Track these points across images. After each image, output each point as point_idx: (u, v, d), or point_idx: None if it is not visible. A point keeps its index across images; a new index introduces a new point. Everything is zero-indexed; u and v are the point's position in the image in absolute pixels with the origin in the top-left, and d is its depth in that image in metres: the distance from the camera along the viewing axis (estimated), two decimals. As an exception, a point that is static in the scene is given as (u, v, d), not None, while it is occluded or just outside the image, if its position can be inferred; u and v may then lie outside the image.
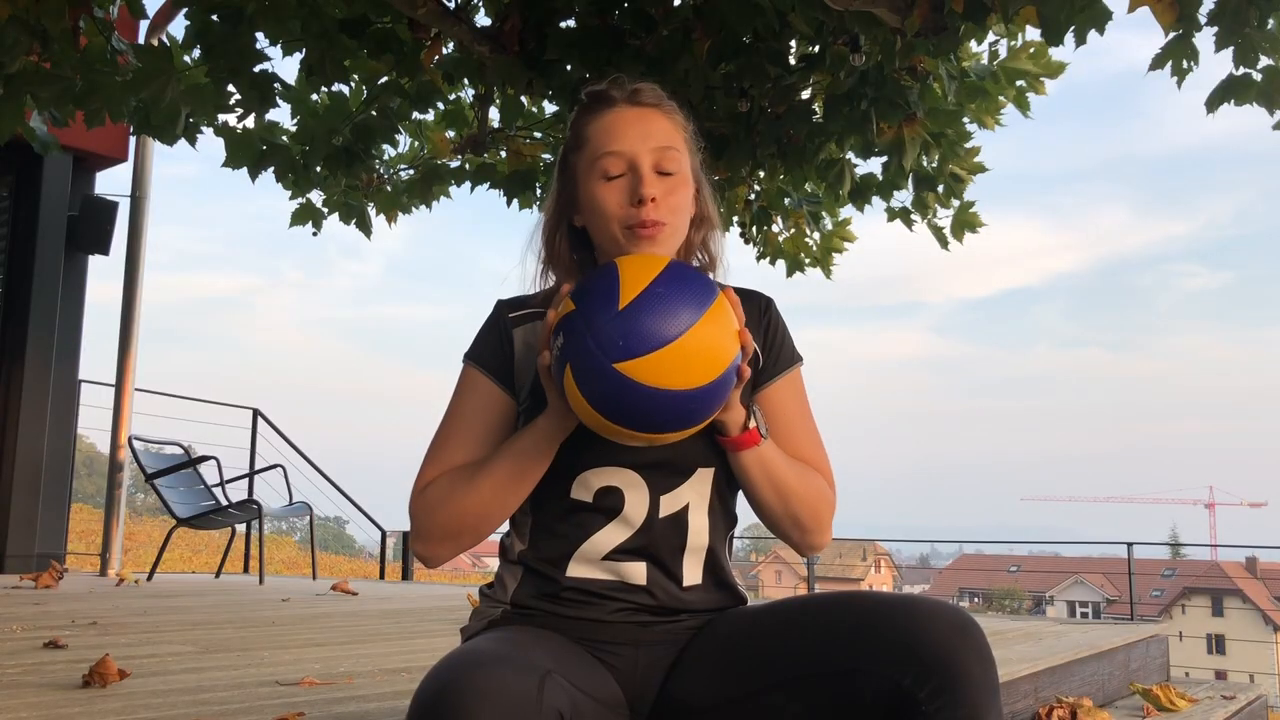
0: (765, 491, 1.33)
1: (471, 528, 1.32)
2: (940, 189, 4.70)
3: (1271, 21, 3.19)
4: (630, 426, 1.16)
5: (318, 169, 4.51)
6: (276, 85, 3.86)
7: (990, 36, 4.31)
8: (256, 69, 3.78)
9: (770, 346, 1.42)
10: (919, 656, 1.11)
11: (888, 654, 1.13)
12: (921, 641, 1.11)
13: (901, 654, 1.12)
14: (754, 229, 5.20)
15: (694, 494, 1.34)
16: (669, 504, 1.33)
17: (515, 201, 4.91)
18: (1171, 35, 3.19)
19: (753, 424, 1.29)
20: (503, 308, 1.43)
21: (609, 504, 1.32)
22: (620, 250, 1.34)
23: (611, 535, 1.32)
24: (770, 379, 1.41)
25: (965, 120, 4.51)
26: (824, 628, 1.21)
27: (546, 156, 4.97)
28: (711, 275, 1.46)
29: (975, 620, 1.15)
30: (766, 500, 1.34)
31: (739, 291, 1.45)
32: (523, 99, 4.75)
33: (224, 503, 6.57)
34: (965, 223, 4.79)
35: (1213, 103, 3.37)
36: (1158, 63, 3.24)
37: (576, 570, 1.33)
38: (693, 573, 1.36)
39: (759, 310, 1.44)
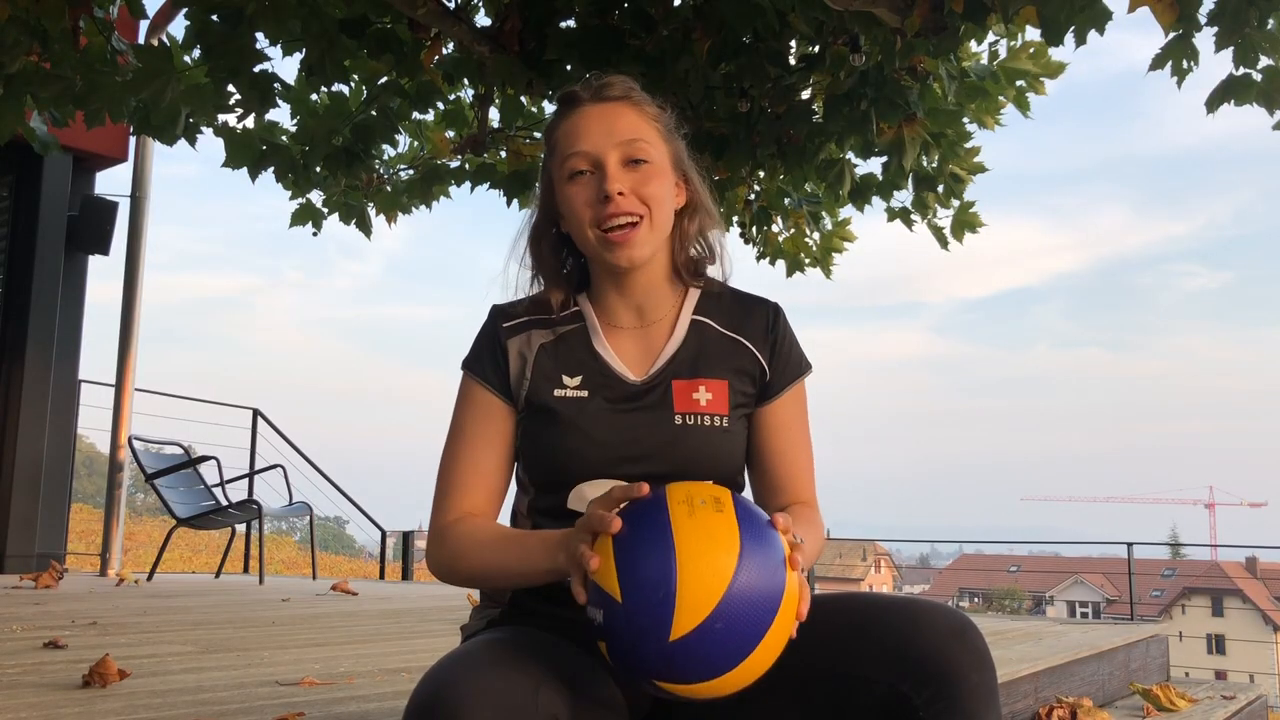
0: None
1: (474, 584, 1.35)
2: (940, 189, 4.70)
3: (1271, 21, 3.19)
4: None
5: (318, 169, 4.51)
6: (276, 85, 3.86)
7: (990, 36, 4.31)
8: (256, 69, 3.78)
9: (776, 358, 1.40)
10: (915, 662, 1.10)
11: (884, 659, 1.12)
12: (917, 646, 1.10)
13: (897, 659, 1.11)
14: (754, 229, 5.20)
15: None
16: None
17: (515, 201, 4.90)
18: (1171, 35, 3.19)
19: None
20: (497, 317, 1.41)
21: None
22: (598, 256, 1.33)
23: None
24: (778, 393, 1.39)
25: (965, 120, 4.51)
26: (823, 631, 1.19)
27: (546, 156, 4.96)
28: (711, 269, 1.44)
29: (973, 623, 1.14)
30: None
31: (747, 297, 1.44)
32: (523, 99, 4.75)
33: (224, 503, 6.57)
34: (965, 223, 4.79)
35: (1213, 103, 3.37)
36: (1158, 63, 3.24)
37: None
38: None
39: (766, 319, 1.42)
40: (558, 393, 1.34)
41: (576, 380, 1.35)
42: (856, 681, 1.14)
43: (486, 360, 1.39)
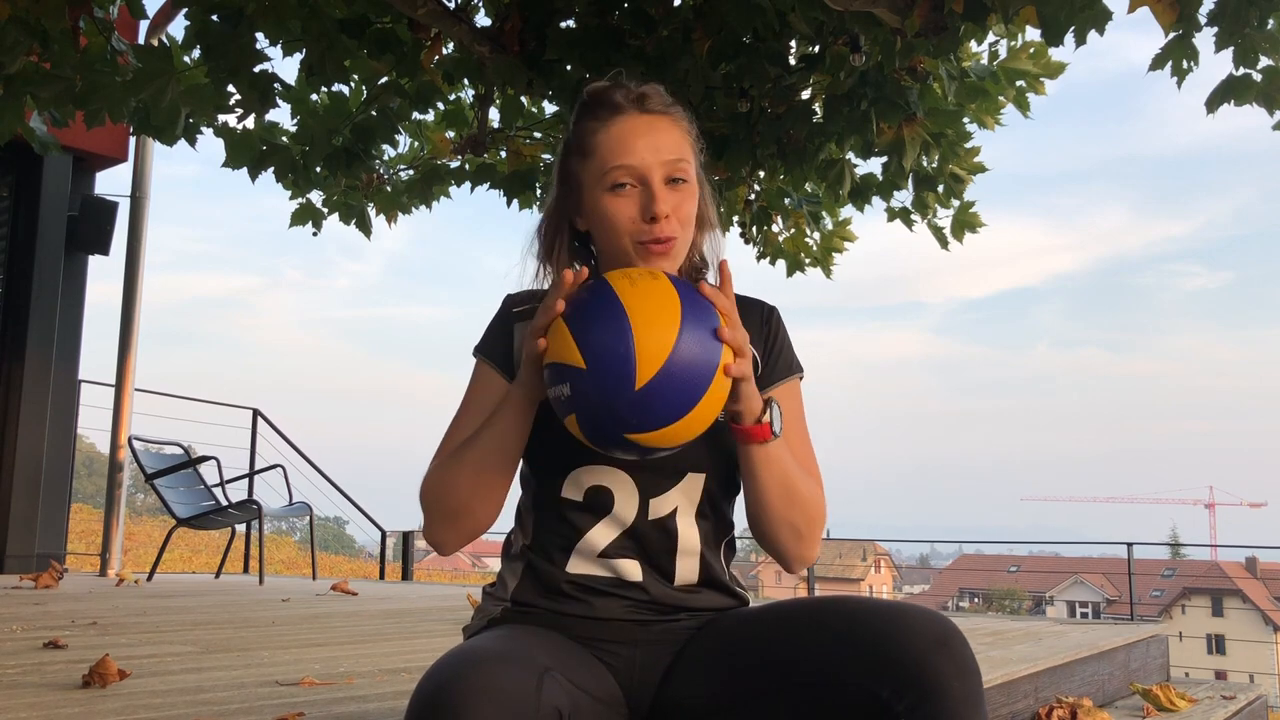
0: (769, 492, 1.30)
1: (465, 506, 1.30)
2: (940, 189, 4.70)
3: (1271, 21, 3.19)
4: (626, 457, 1.23)
5: (318, 169, 4.51)
6: (276, 85, 3.86)
7: (990, 37, 4.32)
8: (256, 69, 3.78)
9: (769, 355, 1.42)
10: (897, 669, 1.09)
11: (867, 666, 1.11)
12: (899, 654, 1.09)
13: (880, 666, 1.10)
14: (754, 229, 5.20)
15: (682, 498, 1.35)
16: (657, 507, 1.34)
17: (515, 201, 4.91)
18: (1171, 35, 3.19)
19: (766, 418, 1.26)
20: (509, 303, 1.45)
21: (599, 503, 1.33)
22: (628, 260, 1.34)
23: (603, 533, 1.33)
24: (768, 387, 1.41)
25: (965, 120, 4.51)
26: (810, 636, 1.20)
27: (546, 156, 4.97)
28: (707, 277, 1.46)
29: (957, 629, 1.13)
30: (769, 501, 1.30)
31: (743, 298, 1.46)
32: (523, 99, 4.76)
33: (224, 503, 6.57)
34: (965, 223, 4.79)
35: (1213, 103, 3.37)
36: (1158, 63, 3.25)
37: (576, 566, 1.34)
38: (687, 574, 1.36)
39: (761, 319, 1.44)
40: None
41: None
42: (841, 688, 1.13)
43: (497, 344, 1.42)
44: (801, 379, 1.45)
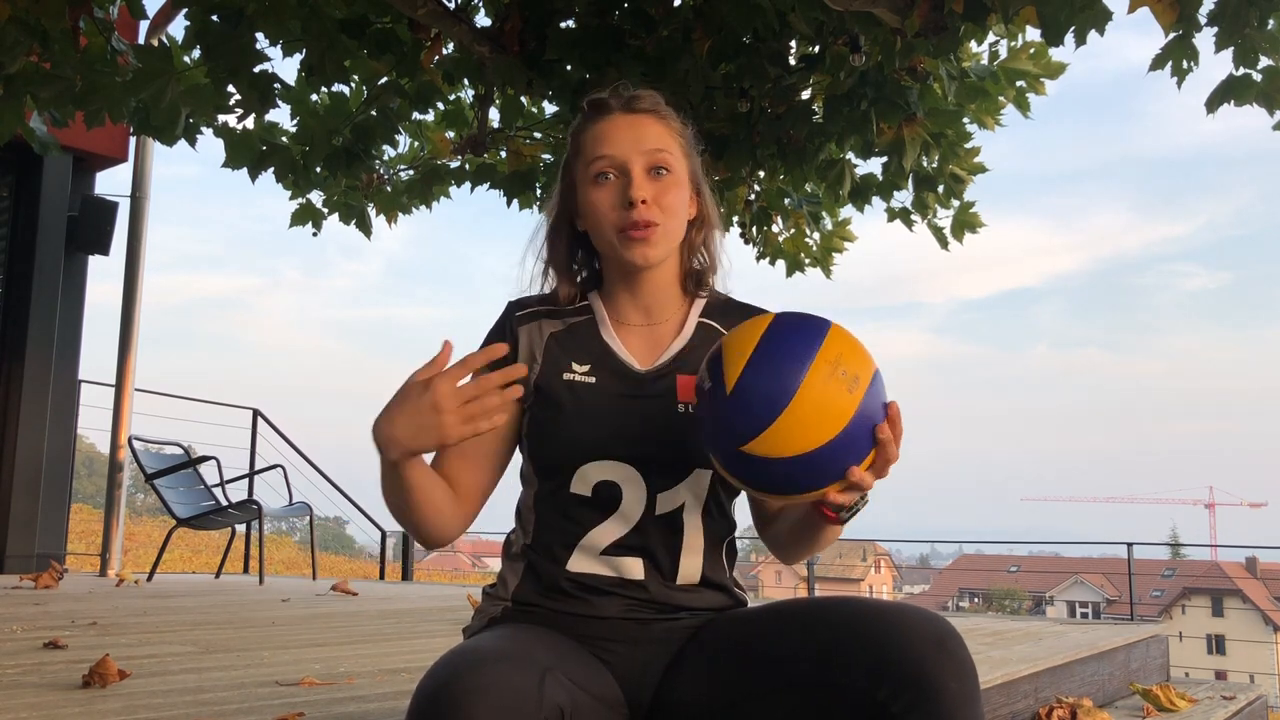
0: (800, 547, 1.37)
1: (420, 535, 1.37)
2: (940, 189, 4.70)
3: (1271, 21, 3.19)
4: (767, 493, 1.21)
5: (318, 169, 4.51)
6: (276, 85, 3.86)
7: (990, 37, 4.32)
8: (256, 69, 3.78)
9: None
10: (894, 670, 1.09)
11: (863, 667, 1.12)
12: (895, 654, 1.10)
13: (877, 667, 1.10)
14: (754, 229, 5.20)
15: (690, 495, 1.35)
16: (665, 502, 1.34)
17: (515, 201, 4.91)
18: (1171, 35, 3.20)
19: (847, 514, 1.24)
20: (511, 308, 1.46)
21: (607, 498, 1.34)
22: (617, 254, 1.37)
23: (609, 530, 1.34)
24: None
25: (965, 120, 4.51)
26: (807, 636, 1.20)
27: (546, 156, 4.97)
28: (711, 277, 1.48)
29: (954, 630, 1.13)
30: (797, 551, 1.37)
31: (750, 307, 1.48)
32: (523, 99, 4.75)
33: (224, 503, 6.56)
34: (965, 223, 4.79)
35: (1213, 103, 3.37)
36: (1158, 63, 3.25)
37: (577, 564, 1.35)
38: (689, 572, 1.37)
39: None
40: (566, 377, 1.38)
41: (585, 367, 1.39)
42: (835, 688, 1.14)
43: None
44: None
